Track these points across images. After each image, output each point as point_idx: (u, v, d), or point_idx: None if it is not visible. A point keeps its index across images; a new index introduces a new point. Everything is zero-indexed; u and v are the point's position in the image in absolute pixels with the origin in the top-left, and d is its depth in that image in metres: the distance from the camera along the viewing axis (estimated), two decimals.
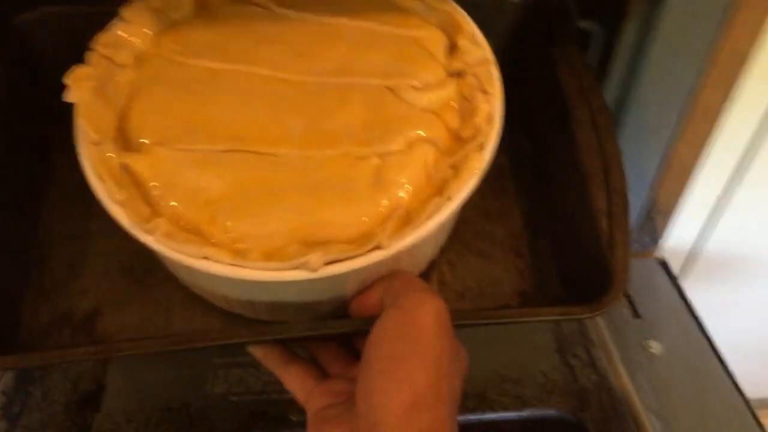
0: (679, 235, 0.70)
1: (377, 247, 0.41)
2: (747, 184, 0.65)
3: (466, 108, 0.46)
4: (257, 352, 0.47)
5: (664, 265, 0.71)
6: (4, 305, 0.48)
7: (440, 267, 0.52)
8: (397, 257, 0.42)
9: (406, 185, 0.43)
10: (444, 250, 0.53)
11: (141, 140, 0.44)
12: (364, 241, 0.41)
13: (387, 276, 0.43)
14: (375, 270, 0.43)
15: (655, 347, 0.63)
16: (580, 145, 0.50)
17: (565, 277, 0.51)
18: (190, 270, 0.42)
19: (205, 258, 0.40)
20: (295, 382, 0.45)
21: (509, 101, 0.47)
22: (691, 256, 0.75)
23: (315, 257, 0.40)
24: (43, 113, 0.53)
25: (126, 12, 0.49)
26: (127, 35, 0.49)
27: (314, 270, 0.40)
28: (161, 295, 0.50)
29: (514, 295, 0.51)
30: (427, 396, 0.37)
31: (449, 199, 0.42)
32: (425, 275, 0.51)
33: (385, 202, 0.43)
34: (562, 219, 0.52)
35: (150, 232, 0.41)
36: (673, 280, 0.69)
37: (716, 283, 0.80)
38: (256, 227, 0.42)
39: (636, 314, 0.65)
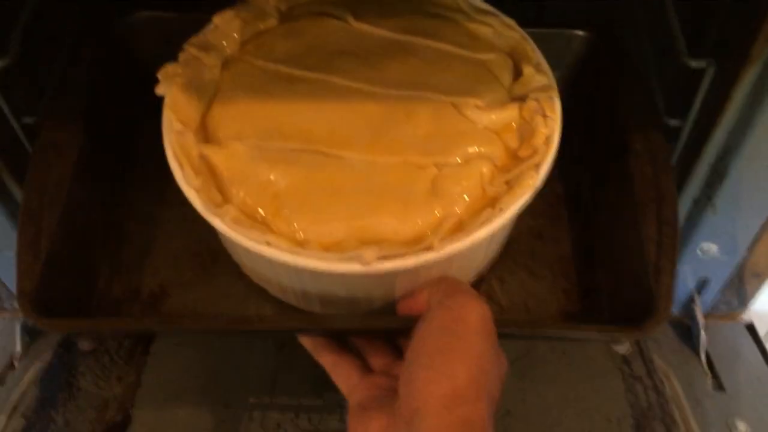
0: None
1: (428, 249, 0.43)
2: None
3: (526, 130, 0.49)
4: (307, 342, 0.49)
5: (751, 329, 0.67)
6: (83, 276, 0.53)
7: (490, 281, 0.54)
8: (447, 262, 0.45)
9: (461, 196, 0.46)
10: (494, 266, 0.55)
11: (220, 134, 0.48)
12: (417, 243, 0.44)
13: (435, 280, 0.45)
14: (425, 271, 0.45)
15: (742, 427, 0.59)
16: (635, 176, 0.51)
17: (611, 302, 0.52)
18: (252, 255, 0.45)
19: (267, 244, 0.44)
20: (342, 374, 0.47)
21: (571, 130, 0.50)
22: None
23: (369, 252, 0.42)
24: (138, 105, 0.57)
25: (217, 19, 0.53)
26: (217, 40, 0.53)
27: (367, 264, 0.43)
28: (224, 282, 0.54)
29: (559, 316, 0.52)
30: (467, 389, 0.39)
31: (501, 210, 0.45)
32: (474, 287, 0.53)
33: (439, 209, 0.45)
34: (612, 246, 0.54)
35: (220, 216, 0.44)
36: (760, 345, 0.66)
37: None
38: (316, 222, 0.45)
39: (720, 386, 0.63)
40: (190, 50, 0.51)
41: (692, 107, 0.52)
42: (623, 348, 0.65)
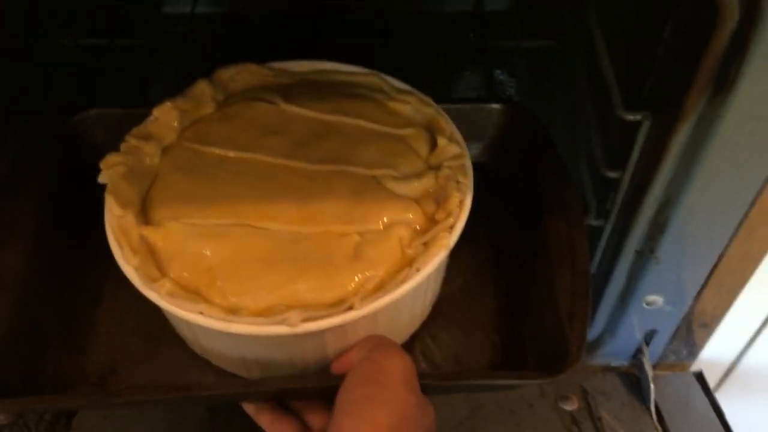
0: (718, 348, 0.68)
1: (350, 308, 0.47)
2: None
3: (441, 195, 0.53)
4: (250, 408, 0.52)
5: (700, 378, 0.68)
6: (33, 358, 0.55)
7: (423, 339, 0.57)
8: (371, 321, 0.48)
9: (381, 259, 0.50)
10: (426, 324, 0.58)
11: (158, 215, 0.52)
12: (341, 304, 0.47)
13: (364, 338, 0.49)
14: (352, 331, 0.49)
15: None
16: (550, 233, 0.56)
17: (535, 351, 0.55)
18: (191, 326, 0.49)
19: (201, 313, 0.47)
20: None
21: (496, 194, 0.54)
22: (730, 370, 0.73)
23: (294, 315, 0.46)
24: (88, 190, 0.58)
25: (157, 111, 0.58)
26: (157, 129, 0.57)
27: (293, 325, 0.46)
28: (170, 356, 0.57)
29: (489, 367, 0.55)
30: (401, 411, 0.42)
31: (418, 270, 0.49)
32: (408, 346, 0.57)
33: (360, 272, 0.49)
34: (533, 298, 0.57)
35: (156, 290, 0.48)
36: (709, 395, 0.67)
37: (755, 397, 0.77)
38: (247, 291, 0.49)
39: None
40: (131, 141, 0.56)
41: (630, 159, 0.53)
42: (571, 405, 0.66)
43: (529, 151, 0.62)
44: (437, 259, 0.49)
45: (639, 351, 0.65)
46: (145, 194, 0.54)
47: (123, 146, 0.55)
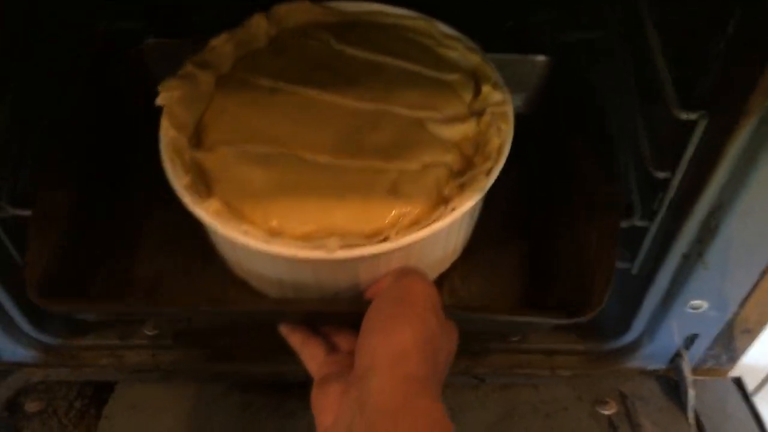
0: (759, 354, 0.67)
1: (385, 240, 0.50)
2: None
3: (482, 140, 0.55)
4: (284, 329, 0.55)
5: (738, 384, 0.68)
6: (85, 272, 0.60)
7: (452, 279, 0.61)
8: (404, 254, 0.51)
9: (418, 197, 0.52)
10: (456, 265, 0.61)
11: (210, 140, 0.56)
12: (377, 235, 0.50)
13: (395, 269, 0.51)
14: (385, 262, 0.51)
15: None
16: (583, 186, 0.59)
17: (558, 297, 0.57)
18: (233, 245, 0.52)
19: (245, 233, 0.50)
20: (309, 352, 0.53)
21: (534, 145, 0.57)
22: None
23: (332, 241, 0.49)
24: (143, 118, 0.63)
25: (214, 41, 0.61)
26: (212, 59, 0.60)
27: (331, 251, 0.49)
28: (210, 278, 0.61)
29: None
30: (412, 351, 0.44)
31: (453, 209, 0.51)
32: (437, 284, 0.58)
33: (397, 208, 0.52)
34: (561, 249, 0.60)
35: (204, 209, 0.51)
36: (748, 401, 0.66)
37: None
38: (289, 215, 0.52)
39: None
40: (188, 67, 0.59)
41: (682, 160, 0.51)
42: (608, 408, 0.65)
43: (571, 105, 0.64)
44: (472, 200, 0.51)
45: (678, 355, 0.64)
46: (199, 119, 0.57)
47: (180, 72, 0.58)
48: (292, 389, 0.67)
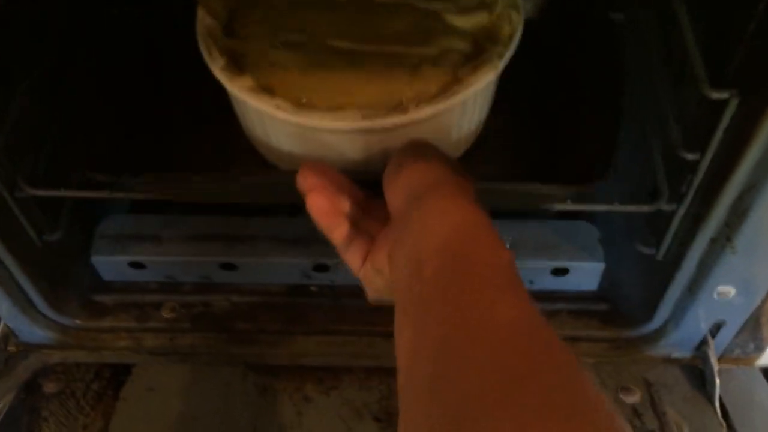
0: None
1: (404, 112, 0.54)
2: None
3: (494, 30, 0.60)
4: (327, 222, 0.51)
5: (766, 372, 0.67)
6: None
7: (465, 167, 0.62)
8: (422, 129, 0.56)
9: (436, 77, 0.57)
10: (469, 154, 0.66)
11: (242, 29, 0.61)
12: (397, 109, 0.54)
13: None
14: (402, 135, 0.54)
15: None
16: (590, 81, 0.65)
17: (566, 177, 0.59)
18: (263, 121, 0.58)
19: (276, 107, 0.54)
20: (355, 255, 0.49)
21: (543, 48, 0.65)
22: None
23: (353, 111, 0.54)
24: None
25: None
26: None
27: (354, 121, 0.53)
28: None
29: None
30: (446, 172, 0.45)
31: (467, 86, 0.56)
32: None
33: (416, 86, 0.56)
34: (571, 138, 0.66)
35: (239, 85, 0.56)
36: None
37: None
38: (317, 91, 0.56)
39: None
40: None
41: (712, 141, 0.50)
42: (632, 396, 0.64)
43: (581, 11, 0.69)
44: (486, 79, 0.56)
45: (703, 343, 0.64)
46: (232, 10, 0.63)
47: None
48: (310, 374, 0.67)
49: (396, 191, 0.46)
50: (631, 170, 0.64)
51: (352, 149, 0.57)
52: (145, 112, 0.71)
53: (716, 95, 0.47)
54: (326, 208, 0.48)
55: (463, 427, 0.32)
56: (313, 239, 0.70)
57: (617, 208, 0.59)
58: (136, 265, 0.72)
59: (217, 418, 0.63)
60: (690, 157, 0.52)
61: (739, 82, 0.47)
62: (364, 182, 0.53)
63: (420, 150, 0.48)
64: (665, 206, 0.57)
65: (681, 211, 0.56)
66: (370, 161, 0.57)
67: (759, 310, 0.60)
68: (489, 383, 0.33)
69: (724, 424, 0.63)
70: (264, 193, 0.61)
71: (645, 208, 0.57)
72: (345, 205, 0.49)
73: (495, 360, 0.34)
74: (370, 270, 0.48)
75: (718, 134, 0.49)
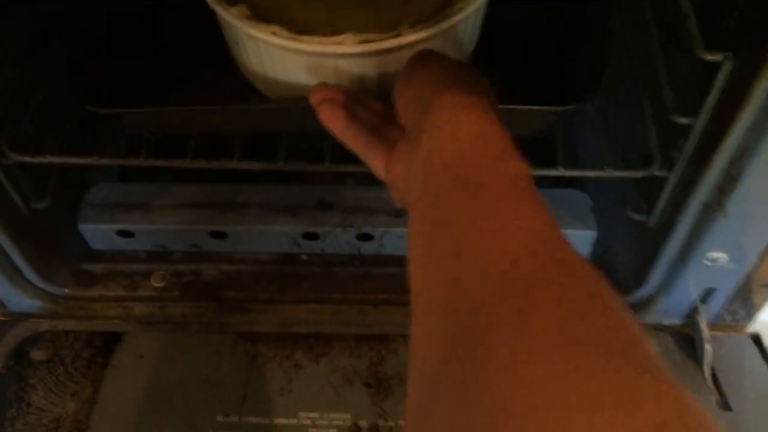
0: None
1: (399, 35, 0.54)
2: None
3: None
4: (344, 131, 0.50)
5: (756, 340, 0.67)
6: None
7: None
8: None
9: (428, 2, 0.57)
10: None
11: None
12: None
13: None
14: (397, 59, 0.55)
15: None
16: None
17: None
18: (258, 50, 0.58)
19: (273, 33, 0.54)
20: (376, 159, 0.48)
21: None
22: None
23: (350, 36, 0.54)
24: None
25: None
26: None
27: (350, 45, 0.54)
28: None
29: None
30: (450, 80, 0.43)
31: (459, 9, 0.56)
32: None
33: (409, 13, 0.56)
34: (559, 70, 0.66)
35: (234, 14, 0.55)
36: (765, 357, 0.66)
37: None
38: (312, 19, 0.56)
39: (726, 405, 0.62)
40: None
41: (705, 104, 0.50)
42: None
43: None
44: (475, 4, 0.56)
45: (694, 310, 0.64)
46: None
47: None
48: (300, 342, 0.67)
49: (407, 102, 0.45)
50: (624, 137, 0.63)
51: (348, 74, 0.57)
52: (137, 53, 0.70)
53: (710, 57, 0.47)
54: (337, 114, 0.48)
55: (480, 334, 0.30)
56: (303, 207, 0.70)
57: (610, 174, 0.58)
58: (125, 234, 0.71)
59: (207, 385, 0.63)
60: (682, 121, 0.52)
61: (733, 44, 0.46)
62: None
63: (430, 55, 0.48)
64: (657, 172, 0.57)
65: (673, 177, 0.56)
66: (366, 86, 0.58)
67: (749, 276, 0.60)
68: (507, 288, 0.31)
69: (715, 391, 0.63)
70: (262, 121, 0.63)
71: (638, 174, 0.57)
72: (359, 113, 0.49)
73: (511, 267, 0.32)
74: (391, 177, 0.47)
75: (711, 99, 0.49)
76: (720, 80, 0.48)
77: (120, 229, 0.71)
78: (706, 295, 0.63)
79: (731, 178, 0.51)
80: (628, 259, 0.66)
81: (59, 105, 0.66)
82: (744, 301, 0.63)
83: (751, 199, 0.52)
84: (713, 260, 0.58)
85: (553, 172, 0.59)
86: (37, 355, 0.65)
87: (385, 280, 0.71)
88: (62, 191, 0.68)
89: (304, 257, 0.74)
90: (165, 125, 0.65)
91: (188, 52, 0.71)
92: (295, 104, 0.58)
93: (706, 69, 0.48)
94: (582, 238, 0.69)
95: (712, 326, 0.65)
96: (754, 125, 0.47)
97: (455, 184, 0.38)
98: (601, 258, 0.70)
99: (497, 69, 0.63)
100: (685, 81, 0.52)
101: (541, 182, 0.66)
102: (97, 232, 0.72)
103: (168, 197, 0.72)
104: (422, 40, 0.55)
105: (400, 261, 0.67)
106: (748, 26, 0.45)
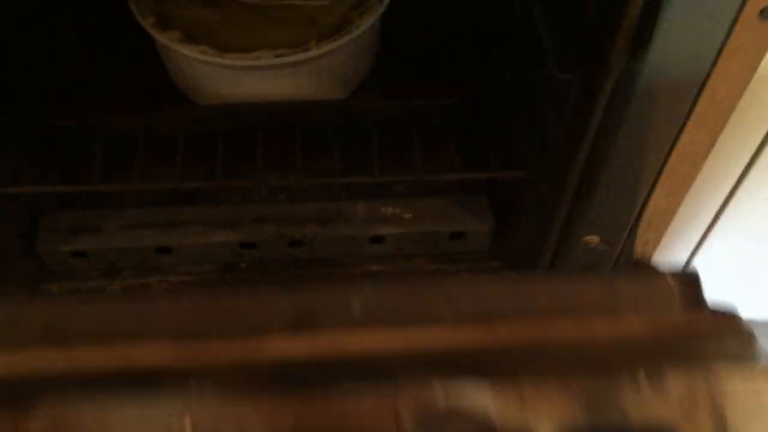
0: None
1: (307, 50, 0.69)
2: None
3: None
4: None
5: None
6: None
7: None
8: (323, 64, 0.72)
9: (330, 22, 0.72)
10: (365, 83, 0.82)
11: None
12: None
13: None
14: (307, 71, 0.71)
15: None
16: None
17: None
18: (191, 65, 0.72)
19: (203, 52, 0.68)
20: None
21: None
22: None
23: (267, 51, 0.69)
24: None
25: None
26: None
27: (267, 59, 0.68)
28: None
29: None
30: None
31: (357, 26, 0.71)
32: (352, 94, 0.81)
33: (315, 30, 0.71)
34: None
35: (169, 38, 0.70)
36: None
37: None
38: (233, 42, 0.70)
39: None
40: None
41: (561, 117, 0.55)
42: None
43: None
44: (371, 20, 0.72)
45: None
46: None
47: None
48: None
49: None
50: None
51: (267, 83, 0.71)
52: (76, 68, 0.83)
53: (562, 76, 0.54)
54: None
55: None
56: (240, 222, 0.78)
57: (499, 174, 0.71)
58: (79, 255, 0.78)
59: None
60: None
61: (581, 63, 0.51)
62: (277, 111, 0.70)
63: None
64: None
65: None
66: (282, 93, 0.72)
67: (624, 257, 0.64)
68: None
69: None
70: (194, 124, 0.74)
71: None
72: None
73: None
74: None
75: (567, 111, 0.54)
76: (573, 97, 0.53)
77: (75, 250, 0.78)
78: None
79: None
80: (521, 248, 0.74)
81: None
82: None
83: (614, 186, 0.56)
84: (589, 242, 0.62)
85: (452, 176, 0.72)
86: None
87: (317, 279, 0.80)
88: (16, 216, 0.75)
89: (243, 266, 0.82)
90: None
91: (124, 66, 0.84)
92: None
93: (561, 86, 0.53)
94: (482, 233, 0.79)
95: None
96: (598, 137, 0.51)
97: None
98: (499, 249, 0.80)
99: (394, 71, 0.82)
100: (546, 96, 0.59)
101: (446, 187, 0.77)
102: (54, 255, 0.78)
103: (117, 220, 0.79)
104: (328, 53, 0.70)
105: (330, 263, 0.77)
106: (590, 47, 0.49)
